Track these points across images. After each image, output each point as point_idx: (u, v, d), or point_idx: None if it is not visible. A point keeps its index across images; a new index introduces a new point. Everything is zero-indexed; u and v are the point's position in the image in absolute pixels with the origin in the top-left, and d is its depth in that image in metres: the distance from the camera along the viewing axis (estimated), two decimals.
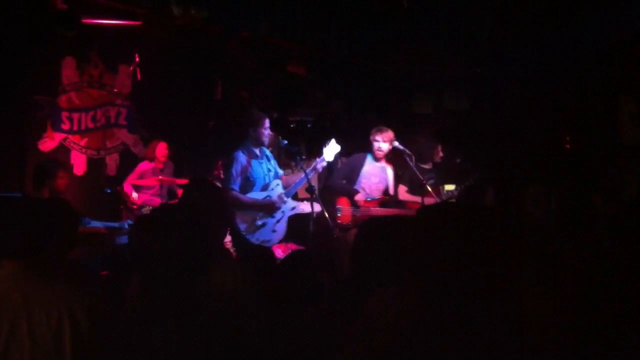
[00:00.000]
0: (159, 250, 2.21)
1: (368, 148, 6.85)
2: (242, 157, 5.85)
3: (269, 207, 5.86)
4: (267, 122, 5.98)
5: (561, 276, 2.72)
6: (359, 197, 6.63)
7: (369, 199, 6.68)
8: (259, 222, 5.80)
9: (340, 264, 5.73)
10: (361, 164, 6.75)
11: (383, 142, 6.69)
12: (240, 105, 8.87)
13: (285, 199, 5.96)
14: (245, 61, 8.15)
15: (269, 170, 6.05)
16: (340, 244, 6.21)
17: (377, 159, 6.81)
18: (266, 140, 6.00)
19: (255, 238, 5.79)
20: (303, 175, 5.85)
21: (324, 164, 6.07)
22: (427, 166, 7.21)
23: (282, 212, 5.94)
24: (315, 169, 6.10)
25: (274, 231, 5.85)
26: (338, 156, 6.76)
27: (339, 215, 6.54)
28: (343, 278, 3.51)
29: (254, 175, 5.90)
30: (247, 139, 5.99)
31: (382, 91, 9.62)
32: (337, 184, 6.73)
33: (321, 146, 6.06)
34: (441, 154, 7.33)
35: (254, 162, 5.92)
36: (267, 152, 6.19)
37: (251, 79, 8.82)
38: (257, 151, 5.98)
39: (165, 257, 2.22)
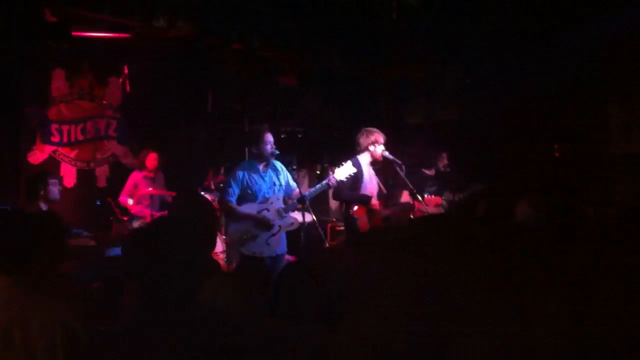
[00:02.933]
0: (151, 265, 2.21)
1: (355, 153, 6.62)
2: (240, 174, 5.83)
3: (261, 222, 5.81)
4: (268, 137, 5.89)
5: (552, 286, 2.73)
6: (373, 202, 6.47)
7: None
8: (252, 234, 5.77)
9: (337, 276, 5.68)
10: (361, 171, 6.51)
11: (383, 144, 6.59)
12: (232, 117, 8.89)
13: (284, 214, 5.90)
14: (236, 73, 8.16)
15: (274, 184, 5.96)
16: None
17: (374, 162, 6.69)
18: (269, 155, 5.88)
19: (246, 249, 5.77)
20: (314, 189, 5.96)
21: (334, 181, 6.00)
22: (430, 172, 7.21)
23: (278, 226, 5.86)
24: (327, 184, 6.02)
25: (267, 244, 5.80)
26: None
27: (357, 225, 6.39)
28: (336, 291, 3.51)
29: (254, 188, 5.83)
30: (251, 155, 6.01)
31: (373, 101, 9.65)
32: (349, 194, 6.47)
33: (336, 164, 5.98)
34: (446, 162, 7.33)
35: (255, 176, 5.88)
36: (279, 166, 6.07)
37: (243, 91, 8.83)
38: (260, 166, 5.92)
39: (158, 271, 2.23)
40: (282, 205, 5.93)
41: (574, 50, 7.60)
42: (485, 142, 8.68)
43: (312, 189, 6.06)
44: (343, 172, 6.02)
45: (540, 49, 7.85)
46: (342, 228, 6.82)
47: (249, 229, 5.75)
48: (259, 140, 5.87)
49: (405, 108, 9.79)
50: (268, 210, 5.83)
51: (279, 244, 5.89)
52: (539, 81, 8.02)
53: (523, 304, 2.35)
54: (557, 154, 8.42)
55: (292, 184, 6.14)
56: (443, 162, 7.33)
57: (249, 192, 5.83)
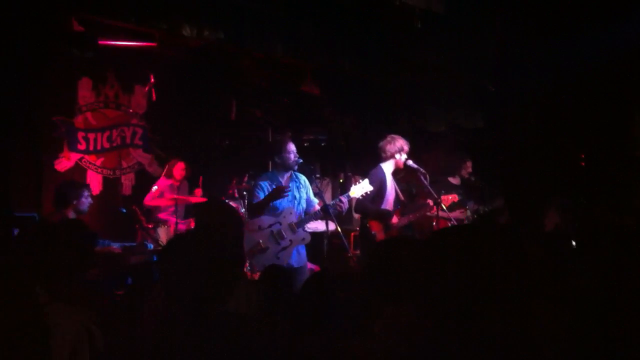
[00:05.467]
0: (181, 272, 2.24)
1: (379, 160, 6.55)
2: (264, 184, 5.81)
3: (271, 235, 5.68)
4: (290, 146, 5.84)
5: (572, 295, 2.70)
6: (394, 220, 6.38)
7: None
8: (262, 247, 5.68)
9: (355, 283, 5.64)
10: (385, 181, 6.44)
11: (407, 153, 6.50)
12: (255, 125, 8.92)
13: (297, 228, 5.78)
14: (259, 81, 8.20)
15: (295, 197, 5.90)
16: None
17: (397, 171, 6.57)
18: (292, 165, 5.82)
19: (256, 262, 5.67)
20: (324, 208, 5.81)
21: (345, 200, 5.80)
22: (455, 181, 7.17)
23: (289, 240, 5.76)
24: (338, 204, 5.79)
25: (277, 257, 5.69)
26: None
27: (375, 239, 6.25)
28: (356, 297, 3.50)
29: (276, 201, 5.76)
30: (274, 166, 5.96)
31: (395, 109, 9.63)
32: (371, 208, 6.37)
33: (351, 182, 5.89)
34: (470, 170, 7.27)
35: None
36: (302, 180, 6.02)
37: (266, 99, 8.86)
38: (282, 178, 5.87)
39: (188, 278, 2.25)
40: (295, 220, 5.81)
41: (598, 56, 7.53)
42: (510, 150, 8.62)
43: (318, 211, 5.89)
44: (359, 190, 5.90)
45: (565, 56, 7.79)
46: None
47: (260, 241, 5.70)
48: (281, 150, 5.82)
49: (428, 116, 9.74)
50: (280, 224, 5.74)
51: (290, 258, 5.75)
52: (564, 88, 7.96)
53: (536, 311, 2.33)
54: (582, 164, 8.34)
55: (313, 199, 6.05)
56: (467, 170, 7.27)
57: (271, 205, 5.77)
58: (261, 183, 5.82)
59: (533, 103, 8.33)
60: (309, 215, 5.88)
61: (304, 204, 5.96)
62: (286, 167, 5.84)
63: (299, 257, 5.84)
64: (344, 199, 5.79)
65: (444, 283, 1.90)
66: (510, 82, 8.37)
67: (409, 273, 2.30)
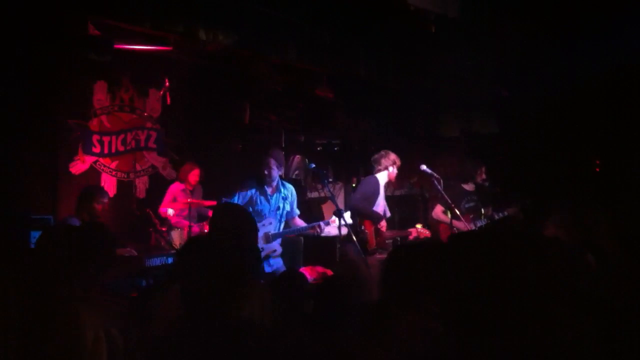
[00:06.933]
0: (197, 273, 2.26)
1: (374, 171, 6.89)
2: (249, 192, 6.19)
3: None
4: (270, 162, 6.22)
5: (594, 304, 2.69)
6: (382, 224, 6.67)
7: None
8: None
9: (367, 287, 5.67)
10: (379, 189, 6.79)
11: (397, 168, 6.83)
12: (269, 129, 8.94)
13: (272, 240, 6.10)
14: (273, 85, 8.22)
15: (278, 208, 6.24)
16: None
17: (389, 184, 6.96)
18: (268, 180, 6.20)
19: None
20: (301, 227, 6.26)
21: (323, 227, 6.16)
22: (468, 187, 7.19)
23: (262, 248, 5.98)
24: (315, 229, 6.19)
25: None
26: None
27: (366, 239, 6.54)
28: (370, 302, 3.50)
29: (258, 208, 6.16)
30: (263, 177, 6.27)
31: (409, 114, 9.62)
32: (364, 205, 6.68)
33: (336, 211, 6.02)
34: (484, 176, 7.30)
35: (262, 197, 6.20)
36: (289, 191, 6.37)
37: (279, 103, 8.88)
38: (269, 189, 6.22)
39: (202, 279, 2.27)
40: (273, 231, 6.12)
41: (613, 61, 7.49)
42: (525, 155, 8.58)
43: (295, 228, 6.32)
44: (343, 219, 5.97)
45: (581, 60, 7.75)
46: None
47: None
48: (263, 165, 6.20)
49: (442, 121, 9.73)
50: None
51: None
52: (580, 92, 7.92)
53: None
54: (597, 169, 8.29)
55: (296, 210, 6.40)
56: (481, 176, 7.27)
57: (251, 209, 6.07)
58: (248, 190, 6.20)
59: (548, 108, 8.29)
60: (287, 230, 6.27)
61: (285, 216, 6.31)
62: (266, 181, 6.21)
63: (271, 268, 6.10)
64: (323, 225, 6.17)
65: (461, 290, 1.89)
66: (526, 87, 8.34)
67: (428, 279, 2.30)
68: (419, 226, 6.93)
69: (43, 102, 7.01)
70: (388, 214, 7.00)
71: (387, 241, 6.69)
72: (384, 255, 4.30)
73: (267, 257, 6.07)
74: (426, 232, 6.89)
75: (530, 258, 1.91)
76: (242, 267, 2.81)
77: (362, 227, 6.56)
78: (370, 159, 7.04)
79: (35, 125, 6.96)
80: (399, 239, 6.95)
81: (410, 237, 6.89)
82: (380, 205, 6.78)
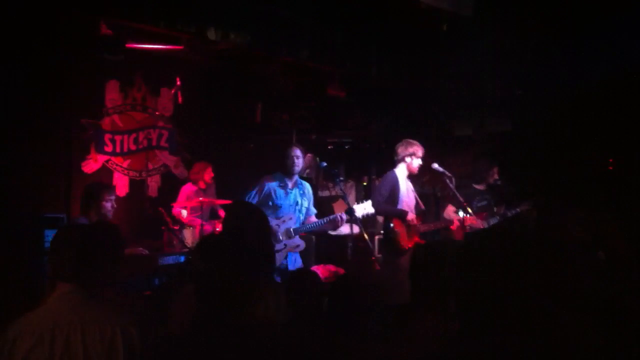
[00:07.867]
0: (211, 273, 2.26)
1: (394, 163, 6.71)
2: (267, 186, 6.06)
3: None
4: (293, 151, 6.11)
5: (604, 304, 2.67)
6: (410, 217, 6.46)
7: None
8: None
9: (389, 288, 5.63)
10: (397, 184, 6.57)
11: (421, 158, 6.62)
12: (280, 128, 8.94)
13: (293, 235, 6.03)
14: (285, 85, 8.23)
15: (297, 203, 6.17)
16: (390, 268, 6.18)
17: (411, 176, 6.70)
18: (295, 169, 6.11)
19: None
20: (321, 220, 6.12)
21: (344, 218, 6.01)
22: (480, 187, 7.14)
23: (284, 244, 5.96)
24: (333, 221, 6.08)
25: None
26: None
27: (397, 239, 6.39)
28: (389, 303, 3.50)
29: (277, 202, 6.07)
30: (281, 167, 6.17)
31: (422, 113, 9.59)
32: (384, 207, 6.49)
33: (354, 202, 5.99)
34: (496, 176, 7.24)
35: (279, 191, 6.09)
36: (307, 188, 6.30)
37: (291, 102, 8.88)
38: (288, 181, 6.13)
39: (216, 279, 2.27)
40: (293, 226, 6.05)
41: (628, 60, 7.43)
42: (538, 153, 8.53)
43: (316, 222, 6.19)
44: (360, 209, 5.98)
45: (595, 59, 7.70)
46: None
47: None
48: (286, 153, 6.10)
49: (454, 119, 9.69)
50: (279, 227, 5.97)
51: (286, 259, 6.01)
52: (594, 91, 7.87)
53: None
54: (610, 168, 8.24)
55: (312, 209, 6.33)
56: (494, 177, 7.21)
57: (270, 203, 6.02)
58: (265, 184, 6.06)
59: (562, 106, 8.24)
60: (307, 224, 6.15)
61: (304, 212, 6.23)
62: (287, 171, 6.10)
63: (294, 263, 6.07)
64: (344, 216, 5.99)
65: (477, 288, 1.89)
66: (539, 86, 8.29)
67: (448, 277, 2.29)
68: (461, 214, 6.57)
69: (56, 101, 7.04)
70: (422, 207, 6.79)
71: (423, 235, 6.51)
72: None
73: (292, 250, 6.04)
74: (473, 220, 6.56)
75: (543, 258, 1.90)
76: (255, 266, 2.81)
77: (392, 226, 6.40)
78: (380, 158, 6.98)
79: (47, 125, 6.98)
80: (438, 230, 6.81)
81: (453, 227, 6.68)
82: (404, 201, 6.54)
